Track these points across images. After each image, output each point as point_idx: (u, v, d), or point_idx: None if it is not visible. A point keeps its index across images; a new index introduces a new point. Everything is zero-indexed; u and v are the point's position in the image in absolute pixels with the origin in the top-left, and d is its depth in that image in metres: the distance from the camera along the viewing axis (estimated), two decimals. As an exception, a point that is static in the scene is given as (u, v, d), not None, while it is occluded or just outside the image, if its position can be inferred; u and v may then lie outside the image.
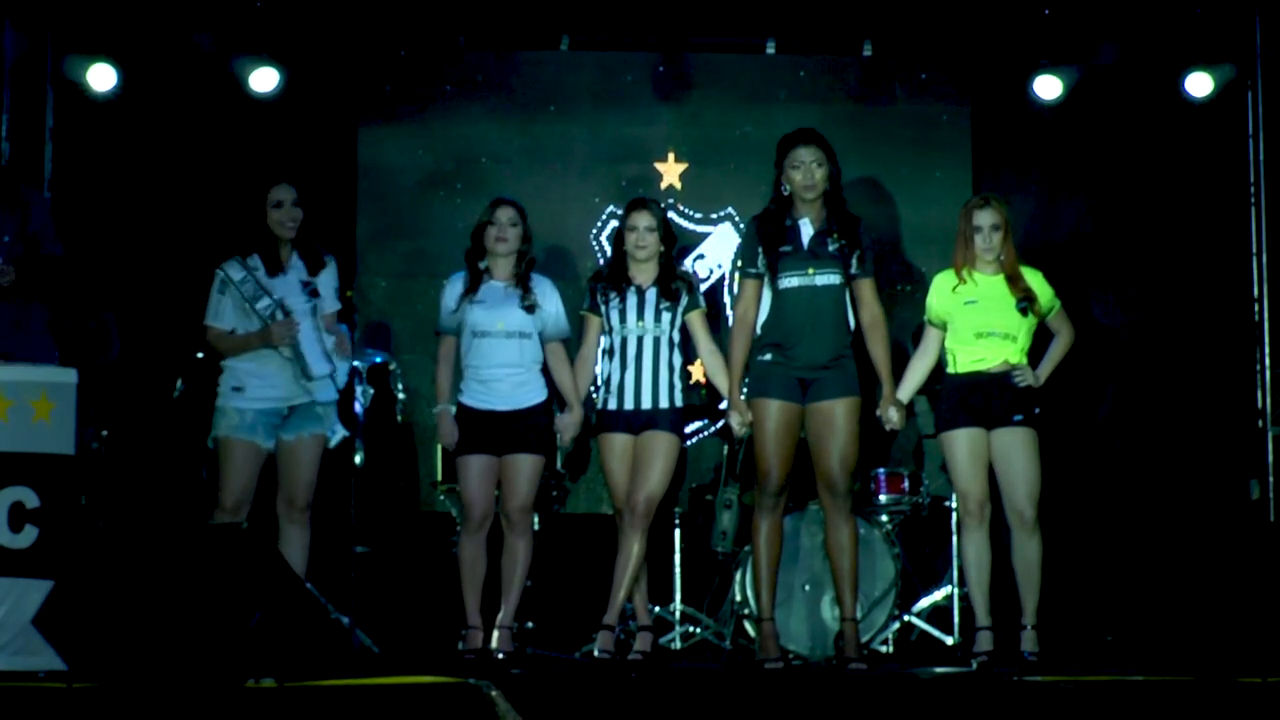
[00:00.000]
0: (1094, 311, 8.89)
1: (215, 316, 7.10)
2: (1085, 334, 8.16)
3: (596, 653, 7.07)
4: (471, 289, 7.25)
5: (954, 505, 7.98)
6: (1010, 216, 7.15)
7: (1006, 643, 7.02)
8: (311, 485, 7.11)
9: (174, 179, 8.79)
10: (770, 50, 9.13)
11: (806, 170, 6.94)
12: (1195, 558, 8.21)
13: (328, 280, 7.26)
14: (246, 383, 7.03)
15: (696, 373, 7.86)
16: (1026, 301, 7.03)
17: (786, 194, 7.01)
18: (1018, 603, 7.02)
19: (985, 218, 7.07)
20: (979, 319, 7.04)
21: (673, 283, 7.22)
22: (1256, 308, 8.86)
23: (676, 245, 7.48)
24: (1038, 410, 7.03)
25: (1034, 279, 7.12)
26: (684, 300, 7.23)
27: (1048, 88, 8.92)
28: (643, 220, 7.21)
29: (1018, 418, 6.96)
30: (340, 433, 7.17)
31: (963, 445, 7.01)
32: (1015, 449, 6.95)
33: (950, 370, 7.16)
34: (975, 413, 7.00)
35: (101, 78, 8.63)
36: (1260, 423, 8.79)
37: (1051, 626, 7.21)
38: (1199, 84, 8.82)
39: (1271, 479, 8.64)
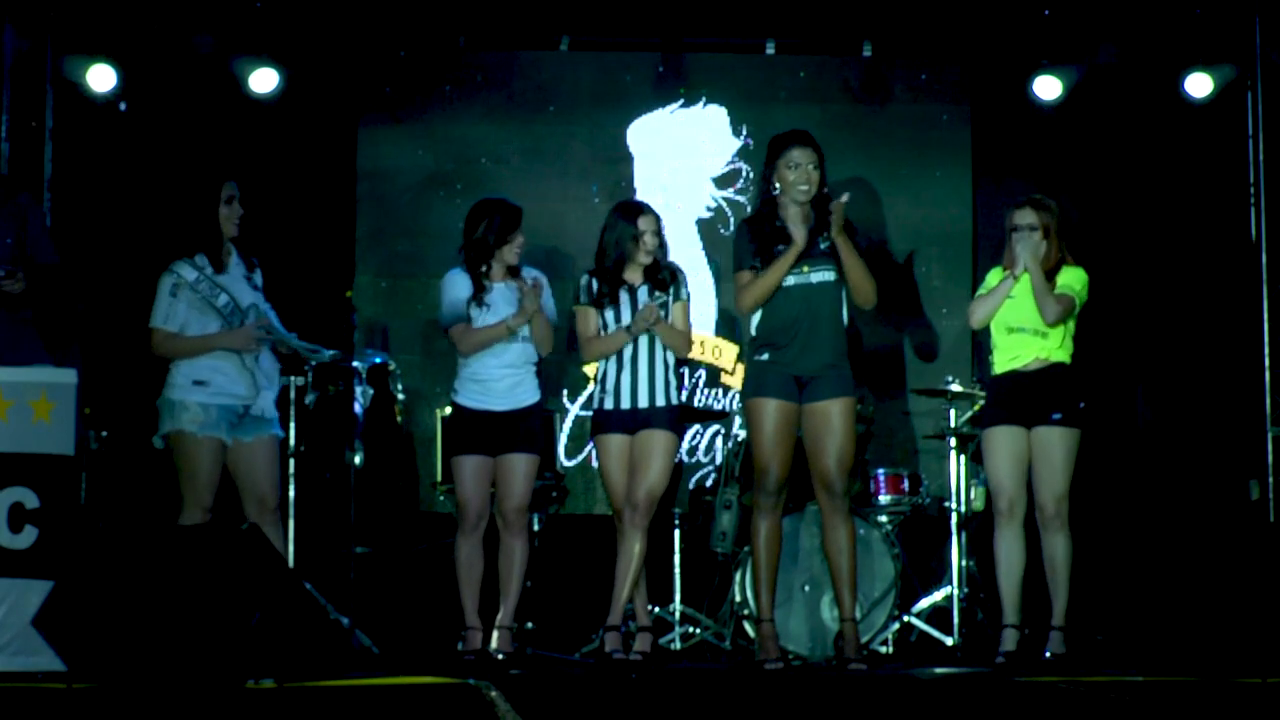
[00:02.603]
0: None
1: (166, 319, 6.88)
2: (1086, 336, 8.17)
3: (610, 652, 7.04)
4: (477, 294, 7.21)
5: (953, 506, 7.99)
6: (1052, 218, 7.02)
7: (1035, 642, 7.02)
8: (278, 484, 7.03)
9: (173, 180, 8.78)
10: (770, 50, 9.14)
11: (803, 172, 6.91)
12: (1195, 558, 8.20)
13: (259, 282, 7.18)
14: (210, 378, 6.84)
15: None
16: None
17: (776, 194, 6.96)
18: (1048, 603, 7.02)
19: (1020, 218, 7.05)
20: (1011, 314, 7.02)
21: (659, 274, 7.19)
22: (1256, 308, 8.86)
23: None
24: (1082, 405, 6.97)
25: (1070, 275, 7.02)
26: (671, 292, 7.20)
27: (1047, 88, 8.93)
28: (651, 225, 7.19)
29: (1056, 416, 6.94)
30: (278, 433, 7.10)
31: (999, 443, 7.00)
32: (1050, 448, 6.93)
33: (993, 370, 7.15)
34: (1015, 411, 6.97)
35: (101, 78, 8.63)
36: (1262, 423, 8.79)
37: (1050, 626, 7.21)
38: (1199, 84, 8.83)
39: (1271, 479, 8.64)
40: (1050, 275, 7.00)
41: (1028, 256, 6.97)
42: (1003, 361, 7.07)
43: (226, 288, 6.92)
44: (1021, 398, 6.98)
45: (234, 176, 7.15)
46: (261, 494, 6.94)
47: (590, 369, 8.54)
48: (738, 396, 8.78)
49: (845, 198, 6.85)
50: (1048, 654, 6.92)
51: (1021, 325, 7.02)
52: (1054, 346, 7.01)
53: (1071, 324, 7.05)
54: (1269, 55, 8.78)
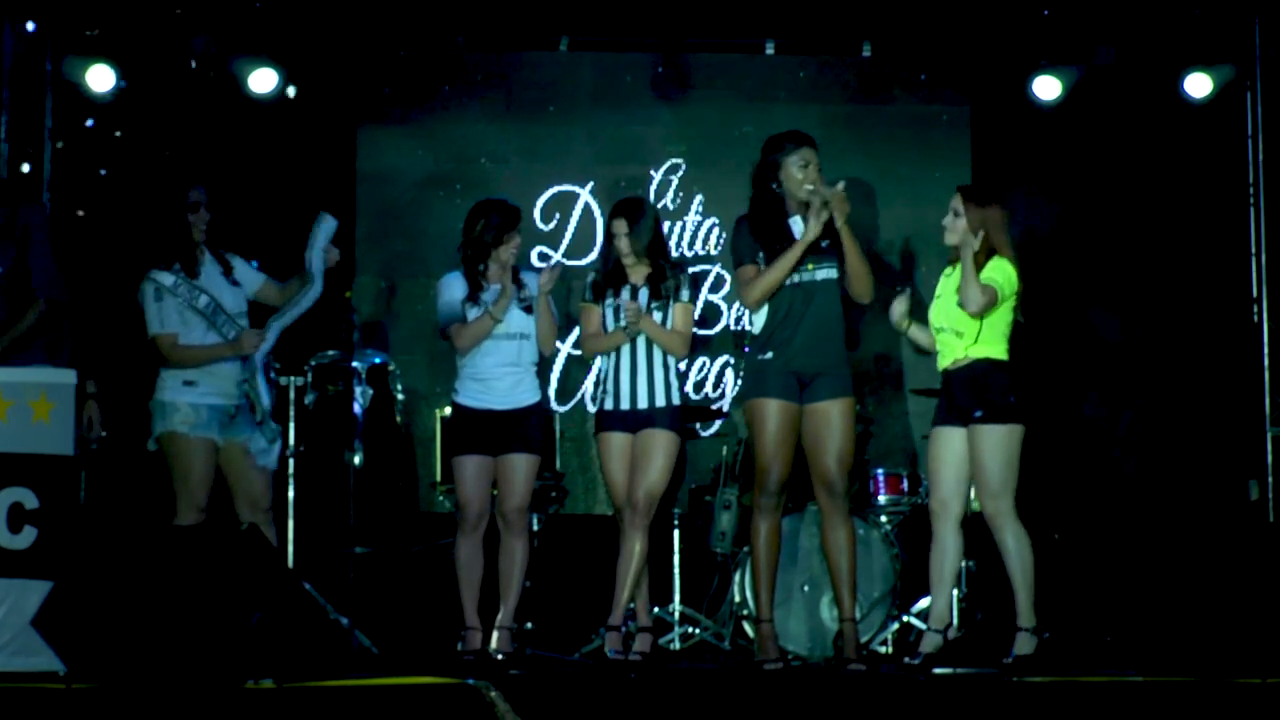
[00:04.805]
0: (1099, 329, 8.90)
1: (164, 324, 6.90)
2: (1084, 336, 8.22)
3: (609, 653, 7.04)
4: (474, 293, 7.22)
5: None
6: (982, 211, 6.86)
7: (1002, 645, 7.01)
8: (270, 485, 7.04)
9: (173, 180, 8.76)
10: (769, 51, 9.14)
11: (812, 170, 6.94)
12: (1195, 558, 8.21)
13: (244, 270, 7.15)
14: (198, 378, 6.87)
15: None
16: None
17: (779, 192, 6.98)
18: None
19: (950, 203, 6.99)
20: (936, 314, 6.95)
21: (663, 282, 7.20)
22: (1256, 308, 8.85)
23: (669, 246, 7.42)
24: (1012, 399, 6.82)
25: (994, 268, 6.83)
26: (671, 294, 7.19)
27: (1047, 88, 8.93)
28: (621, 227, 7.20)
29: (977, 414, 6.80)
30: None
31: (935, 443, 6.95)
32: (976, 447, 6.81)
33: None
34: (951, 410, 6.89)
35: (100, 79, 8.63)
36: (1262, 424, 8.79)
37: (1050, 627, 7.21)
38: (1198, 85, 8.83)
39: (1271, 479, 8.63)
40: (979, 268, 6.82)
41: (950, 237, 6.87)
42: (940, 362, 6.99)
43: (205, 289, 6.93)
44: (952, 397, 6.89)
45: (234, 177, 7.16)
46: (254, 496, 6.94)
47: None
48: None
49: (841, 186, 6.85)
50: (1012, 656, 6.77)
51: (941, 325, 6.91)
52: (970, 343, 6.83)
53: (1000, 318, 6.85)
54: (1269, 52, 8.77)
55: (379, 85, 9.09)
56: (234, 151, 8.74)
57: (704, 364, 9.03)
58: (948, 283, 6.96)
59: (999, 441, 6.78)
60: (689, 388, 8.90)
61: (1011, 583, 6.83)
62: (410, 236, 9.07)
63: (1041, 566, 6.99)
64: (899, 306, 7.08)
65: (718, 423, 8.71)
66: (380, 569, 8.16)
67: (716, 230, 9.09)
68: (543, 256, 8.96)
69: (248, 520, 6.86)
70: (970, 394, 6.83)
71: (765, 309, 6.97)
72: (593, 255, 8.89)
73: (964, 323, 6.85)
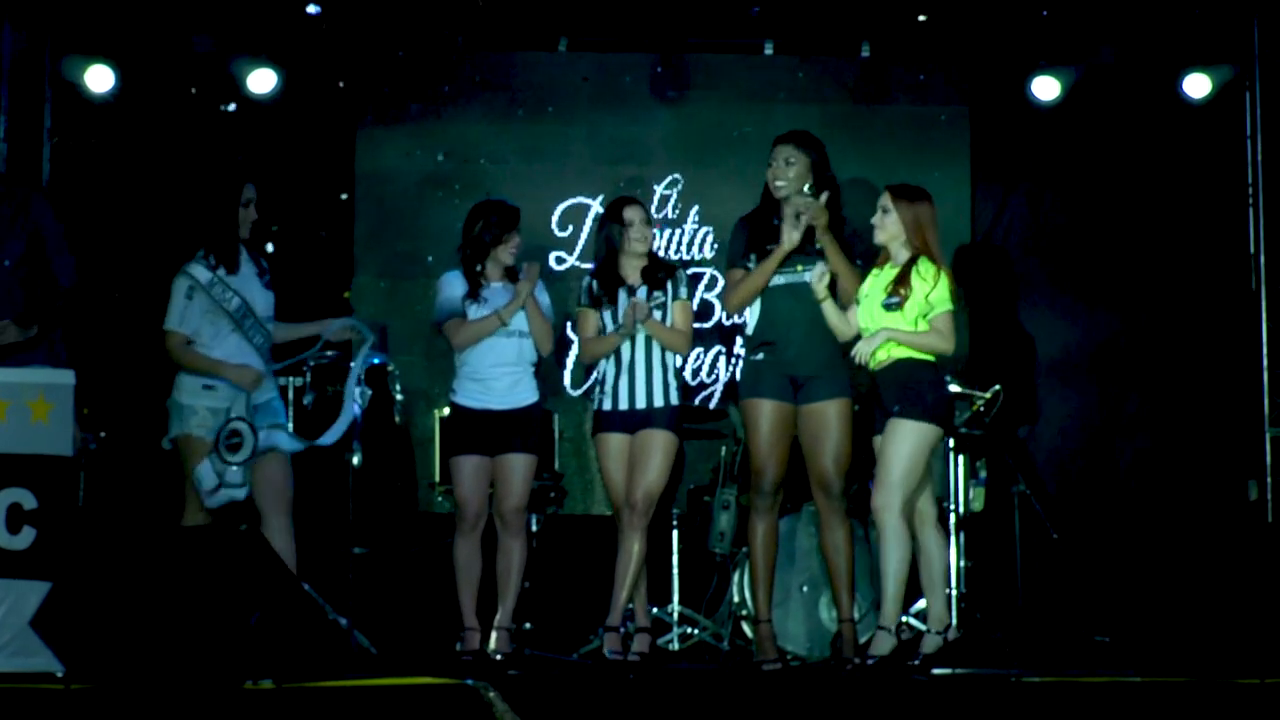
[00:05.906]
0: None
1: (181, 322, 6.86)
2: (1085, 335, 8.21)
3: (607, 653, 7.05)
4: (473, 292, 7.23)
5: (951, 506, 7.99)
6: (914, 208, 6.80)
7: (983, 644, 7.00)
8: (291, 479, 7.04)
9: (172, 180, 8.78)
10: (768, 51, 9.14)
11: (778, 168, 6.94)
12: (1194, 558, 8.21)
13: (268, 280, 7.17)
14: (217, 382, 6.85)
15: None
16: (894, 297, 6.76)
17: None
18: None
19: (880, 202, 6.91)
20: (863, 315, 6.86)
21: (659, 274, 7.20)
22: (1255, 307, 8.85)
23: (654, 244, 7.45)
24: (930, 399, 6.74)
25: (927, 276, 6.77)
26: (670, 293, 7.19)
27: (1046, 89, 8.93)
28: (639, 214, 7.21)
29: (895, 409, 6.72)
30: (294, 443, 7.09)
31: (877, 452, 6.90)
32: (884, 437, 6.75)
33: None
34: (883, 413, 6.84)
35: (100, 79, 8.63)
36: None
37: (1049, 627, 7.21)
38: (1197, 85, 8.83)
39: (1270, 479, 8.64)
40: (903, 276, 6.76)
41: (880, 235, 6.83)
42: (870, 364, 6.91)
43: (239, 290, 6.92)
44: (879, 398, 6.82)
45: (232, 177, 7.14)
46: (275, 487, 6.93)
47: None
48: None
49: (824, 198, 6.84)
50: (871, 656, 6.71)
51: (867, 326, 6.82)
52: (894, 345, 6.75)
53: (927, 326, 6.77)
54: (1267, 55, 8.76)
55: (378, 85, 9.09)
56: (233, 151, 8.73)
57: (699, 354, 9.04)
58: (875, 283, 6.87)
59: (907, 435, 6.68)
60: (685, 374, 8.92)
61: (881, 580, 6.72)
62: (409, 237, 9.07)
63: (1042, 566, 7.00)
64: (818, 274, 6.86)
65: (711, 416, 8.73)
66: (379, 569, 8.16)
67: (712, 236, 9.08)
68: (559, 260, 8.97)
69: (269, 516, 6.88)
70: (894, 392, 6.75)
71: (758, 310, 6.97)
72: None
73: (889, 323, 6.77)
